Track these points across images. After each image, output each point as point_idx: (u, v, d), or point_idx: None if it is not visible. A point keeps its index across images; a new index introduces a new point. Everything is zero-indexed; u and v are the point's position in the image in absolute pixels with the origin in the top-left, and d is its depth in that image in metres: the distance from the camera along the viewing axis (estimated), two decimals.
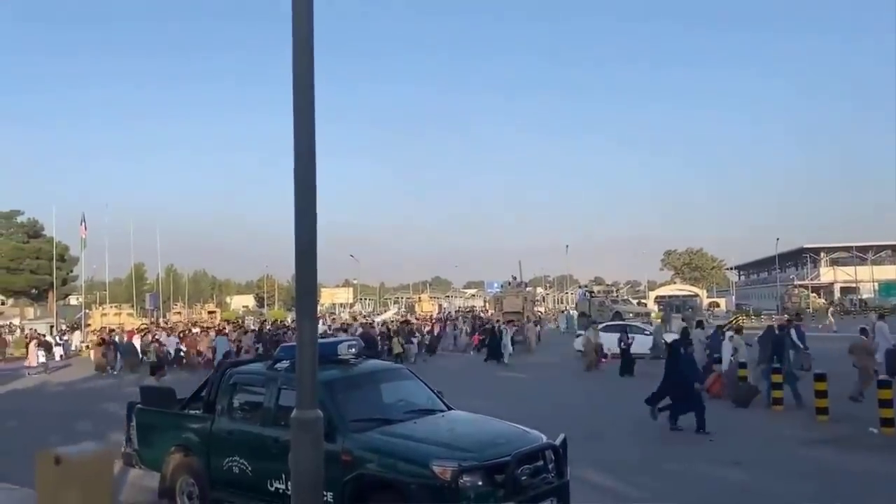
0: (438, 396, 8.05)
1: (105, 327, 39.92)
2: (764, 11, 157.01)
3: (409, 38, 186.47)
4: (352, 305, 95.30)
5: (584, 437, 10.51)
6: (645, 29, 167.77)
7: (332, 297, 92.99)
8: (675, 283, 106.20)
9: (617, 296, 60.46)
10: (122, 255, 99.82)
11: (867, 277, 79.02)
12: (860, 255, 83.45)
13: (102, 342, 30.99)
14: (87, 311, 54.94)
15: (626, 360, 18.30)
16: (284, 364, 7.61)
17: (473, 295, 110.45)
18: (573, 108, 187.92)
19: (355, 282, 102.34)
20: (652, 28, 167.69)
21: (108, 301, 61.61)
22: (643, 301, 77.62)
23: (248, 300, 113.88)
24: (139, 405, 8.97)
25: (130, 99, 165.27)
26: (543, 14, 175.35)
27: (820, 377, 13.45)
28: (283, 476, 6.76)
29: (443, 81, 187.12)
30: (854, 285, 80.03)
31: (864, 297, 73.70)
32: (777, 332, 17.23)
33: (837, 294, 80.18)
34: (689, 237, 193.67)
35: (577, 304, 49.19)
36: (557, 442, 6.88)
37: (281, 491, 6.90)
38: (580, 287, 72.16)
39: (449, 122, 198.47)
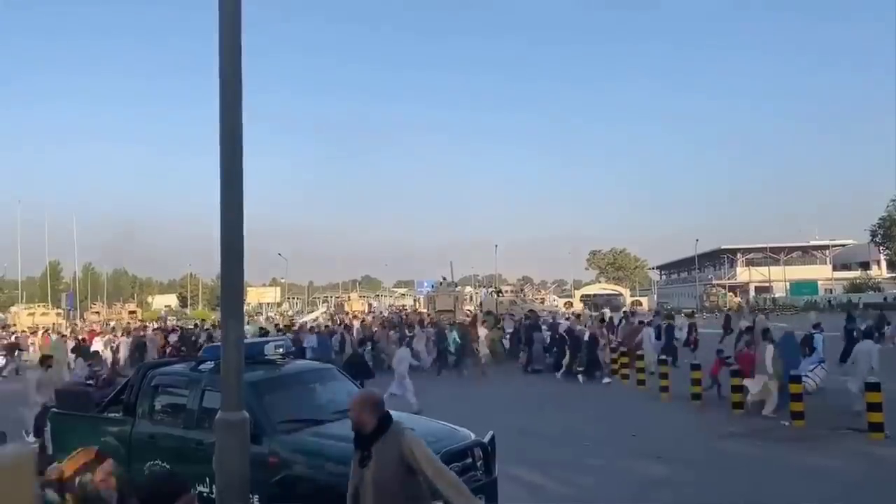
0: None
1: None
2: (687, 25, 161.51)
3: (342, 43, 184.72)
4: (279, 305, 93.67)
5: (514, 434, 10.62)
6: (556, 28, 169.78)
7: (259, 296, 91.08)
8: (599, 282, 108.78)
9: (524, 295, 61.21)
10: (35, 253, 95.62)
11: (780, 277, 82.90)
12: (773, 255, 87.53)
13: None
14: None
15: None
16: (209, 365, 7.44)
17: (404, 294, 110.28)
18: (506, 100, 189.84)
19: (283, 280, 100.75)
20: (566, 26, 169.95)
21: (21, 300, 58.96)
22: (570, 300, 79.11)
23: (171, 300, 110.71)
24: (54, 408, 8.61)
25: (46, 89, 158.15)
26: (469, 25, 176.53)
27: (736, 373, 14.07)
28: (208, 480, 6.59)
29: (371, 81, 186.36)
30: (768, 285, 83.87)
31: (777, 295, 77.40)
32: None
33: (752, 293, 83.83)
34: (614, 237, 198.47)
35: (481, 304, 49.85)
36: (486, 439, 6.94)
37: (205, 495, 6.73)
38: (489, 287, 72.47)
39: (379, 121, 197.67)
